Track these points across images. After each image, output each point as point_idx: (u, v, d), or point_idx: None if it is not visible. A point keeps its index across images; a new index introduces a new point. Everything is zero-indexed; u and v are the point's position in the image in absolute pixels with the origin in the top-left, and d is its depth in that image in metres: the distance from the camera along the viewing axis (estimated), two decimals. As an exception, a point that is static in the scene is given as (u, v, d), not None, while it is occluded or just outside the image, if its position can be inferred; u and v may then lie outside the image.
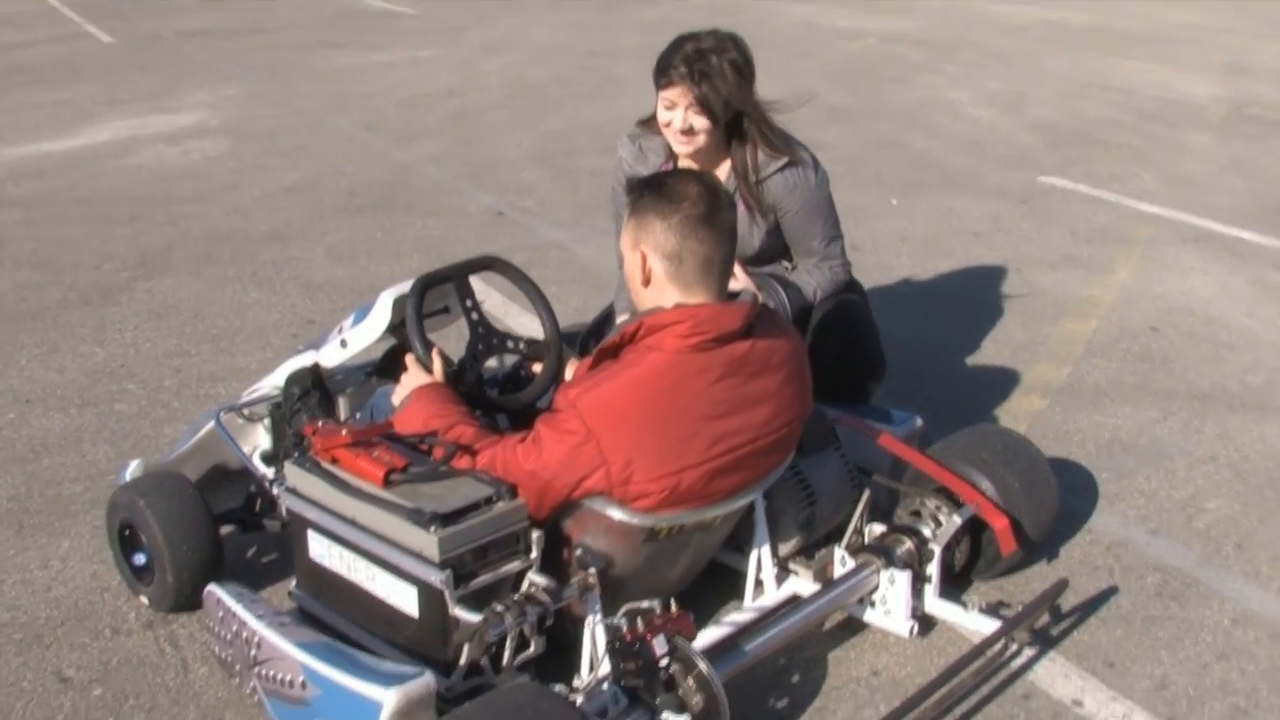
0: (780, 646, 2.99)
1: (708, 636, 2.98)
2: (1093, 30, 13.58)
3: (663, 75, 3.52)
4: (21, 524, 3.92)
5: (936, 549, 3.18)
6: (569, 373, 3.39)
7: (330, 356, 3.63)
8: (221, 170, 8.15)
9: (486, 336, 3.37)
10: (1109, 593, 3.46)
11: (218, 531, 3.40)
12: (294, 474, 2.93)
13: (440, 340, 3.29)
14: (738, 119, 3.62)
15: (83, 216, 7.18)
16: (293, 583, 3.13)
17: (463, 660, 2.68)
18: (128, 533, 3.41)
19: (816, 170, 3.74)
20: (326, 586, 2.93)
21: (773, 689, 3.04)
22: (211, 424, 3.73)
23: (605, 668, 2.73)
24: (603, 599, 2.78)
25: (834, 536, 3.36)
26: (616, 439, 2.64)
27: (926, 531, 3.24)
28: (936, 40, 12.93)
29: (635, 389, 2.66)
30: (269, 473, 3.60)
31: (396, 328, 3.50)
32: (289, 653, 2.70)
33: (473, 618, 2.60)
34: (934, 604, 3.23)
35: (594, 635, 2.78)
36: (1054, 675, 3.11)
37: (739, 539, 3.24)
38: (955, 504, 3.29)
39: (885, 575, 3.15)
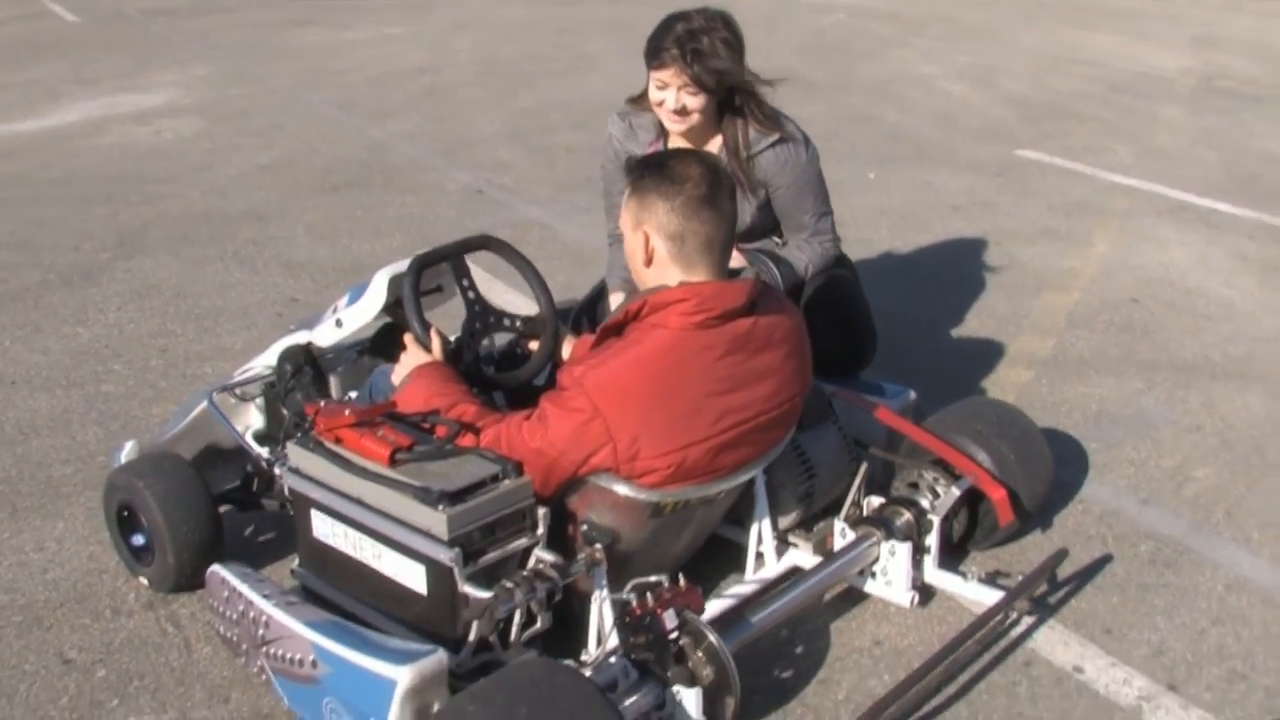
0: (785, 618, 3.02)
1: (712, 609, 3.00)
2: (1062, 4, 13.63)
3: (655, 56, 3.52)
4: (14, 506, 3.91)
5: (935, 520, 3.22)
6: (566, 350, 3.41)
7: (325, 336, 3.61)
8: (195, 150, 8.09)
9: (483, 315, 3.37)
10: (1103, 561, 3.51)
11: (217, 511, 3.39)
12: (297, 454, 2.93)
13: (432, 319, 3.28)
14: (729, 95, 3.62)
15: (57, 197, 7.12)
16: (294, 561, 3.13)
17: (472, 636, 2.69)
18: (126, 514, 3.40)
19: (807, 146, 3.75)
20: (331, 565, 2.94)
21: (777, 660, 3.07)
22: (204, 404, 3.71)
23: (613, 642, 2.75)
24: (608, 574, 2.80)
25: (832, 509, 3.39)
26: (623, 416, 2.65)
27: (924, 503, 3.28)
28: (905, 14, 12.95)
29: (641, 366, 2.67)
30: (264, 452, 3.59)
31: (391, 307, 3.49)
32: (298, 631, 2.71)
33: (482, 594, 2.61)
34: (933, 574, 3.27)
35: (601, 610, 2.79)
36: (1053, 643, 3.16)
37: (738, 512, 3.27)
38: (952, 476, 3.32)
39: (886, 547, 3.18)
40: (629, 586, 2.70)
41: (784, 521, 3.32)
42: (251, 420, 3.78)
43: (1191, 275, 5.69)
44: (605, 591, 2.78)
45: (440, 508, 2.60)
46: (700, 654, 2.65)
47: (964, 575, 3.28)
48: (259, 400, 3.77)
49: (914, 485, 3.34)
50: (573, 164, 7.54)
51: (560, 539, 2.82)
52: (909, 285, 5.52)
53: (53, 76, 10.61)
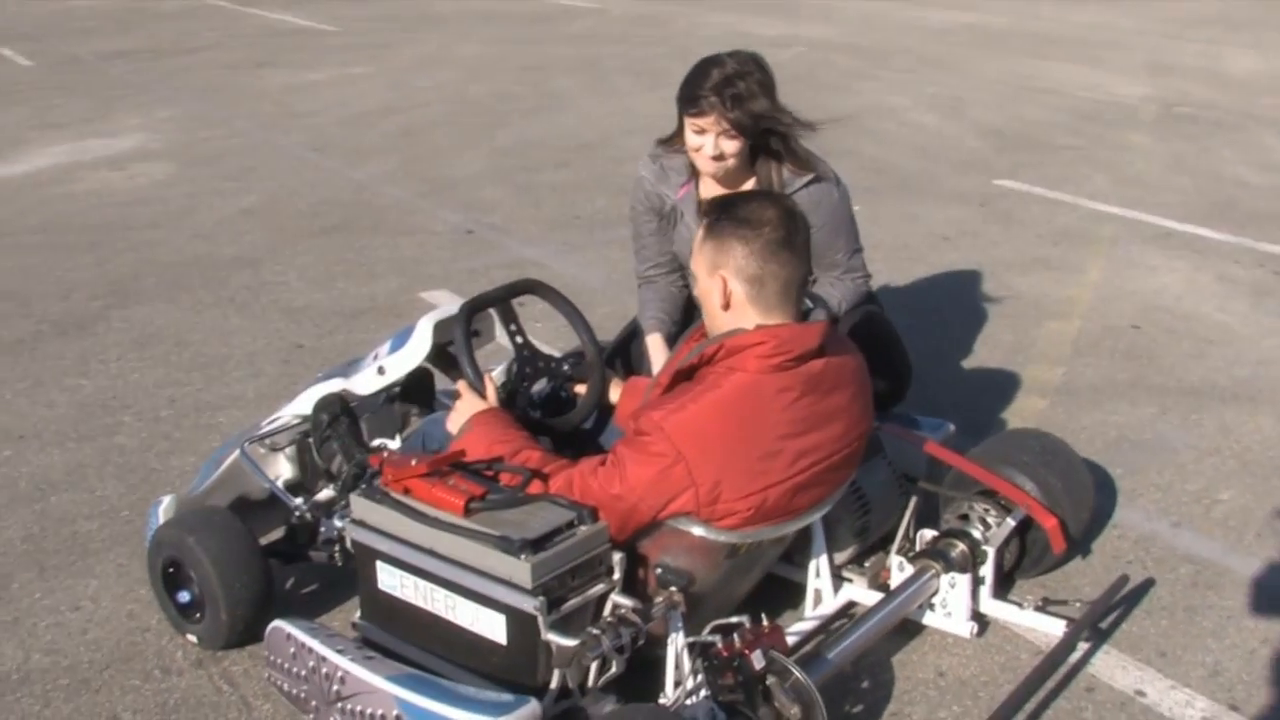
0: (859, 652, 3.04)
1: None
2: (1013, 33, 13.87)
3: (693, 104, 3.53)
4: (42, 565, 3.85)
5: (990, 550, 3.25)
6: (613, 393, 3.41)
7: (366, 384, 3.59)
8: (174, 195, 8.04)
9: (532, 359, 3.37)
10: (1147, 585, 3.55)
11: (269, 565, 3.36)
12: (362, 506, 2.91)
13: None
14: (764, 136, 3.65)
15: (39, 245, 7.05)
16: (342, 614, 3.11)
17: (554, 684, 2.68)
18: (172, 570, 3.36)
19: (838, 186, 3.79)
20: (397, 617, 2.91)
21: (845, 696, 3.07)
22: (236, 455, 3.67)
23: (691, 683, 2.75)
24: (683, 616, 2.80)
25: (883, 543, 3.42)
26: (705, 460, 2.66)
27: (977, 534, 3.31)
28: (865, 46, 13.12)
29: (721, 410, 2.68)
30: (299, 502, 3.56)
31: (435, 354, 3.48)
32: (380, 686, 2.68)
33: (565, 642, 2.60)
34: (989, 604, 3.30)
35: (679, 652, 2.79)
36: (1112, 667, 3.19)
37: (791, 549, 3.28)
38: (1002, 506, 3.36)
39: (946, 579, 3.21)
40: (709, 628, 2.71)
41: (840, 557, 3.34)
42: (282, 470, 3.75)
43: (1186, 300, 5.79)
44: (682, 634, 2.78)
45: (523, 556, 2.59)
46: (785, 693, 2.66)
47: (1019, 604, 3.32)
48: (289, 450, 3.74)
49: (965, 517, 3.37)
50: (559, 203, 7.55)
51: (632, 582, 2.81)
52: (913, 318, 5.56)
53: (15, 122, 10.51)
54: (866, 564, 3.39)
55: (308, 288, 6.18)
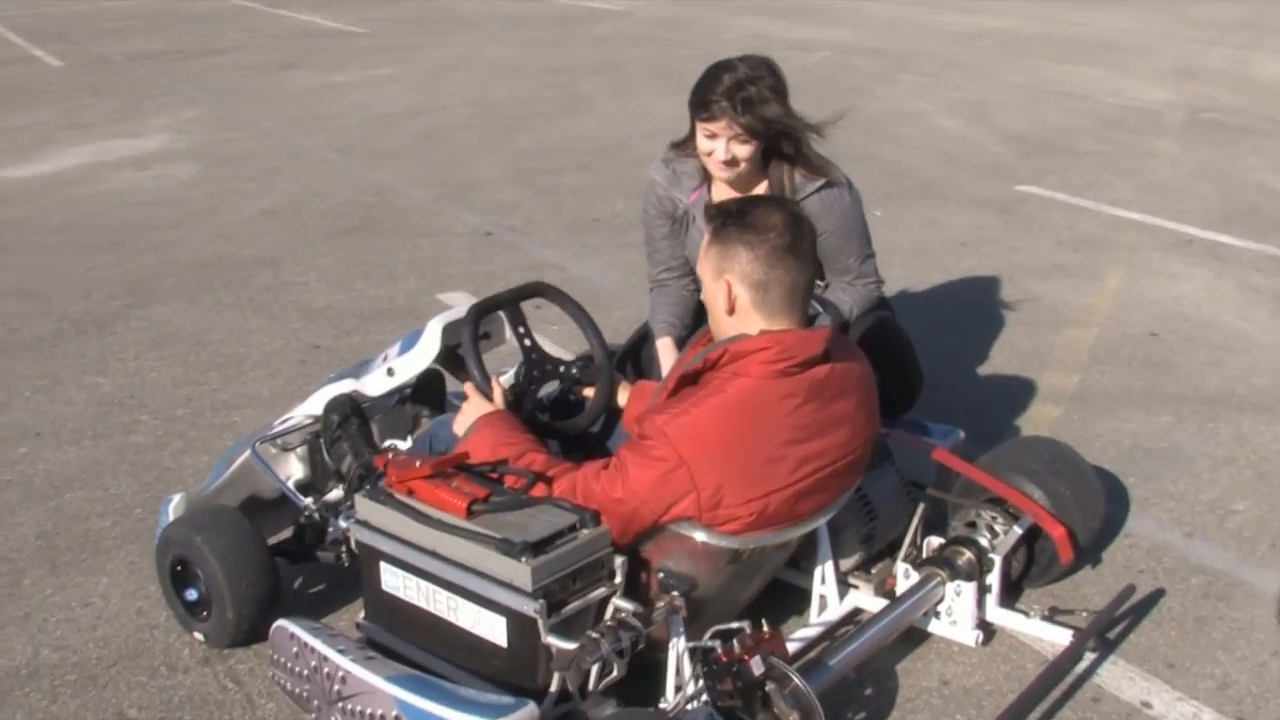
0: (862, 660, 3.02)
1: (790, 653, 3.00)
2: (1040, 38, 13.81)
3: (704, 109, 3.53)
4: (54, 562, 3.87)
5: (997, 559, 3.23)
6: (621, 397, 3.41)
7: (375, 385, 3.61)
8: (196, 195, 8.09)
9: (540, 362, 3.37)
10: (1157, 595, 3.53)
11: (276, 564, 3.37)
12: (366, 506, 2.92)
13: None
14: (776, 140, 3.64)
15: (61, 244, 7.10)
16: (348, 614, 3.11)
17: (554, 687, 2.69)
18: (180, 569, 3.38)
19: (851, 190, 3.78)
20: (400, 618, 2.92)
21: (849, 703, 3.06)
22: (247, 454, 3.69)
23: (692, 688, 2.74)
24: (685, 620, 2.80)
25: (889, 550, 3.41)
26: (707, 465, 2.66)
27: (984, 542, 3.29)
28: (890, 51, 13.08)
29: (724, 415, 2.68)
30: (309, 502, 3.58)
31: (443, 355, 3.49)
32: (380, 687, 2.69)
33: (565, 645, 2.60)
34: (995, 613, 3.28)
35: (680, 657, 2.79)
36: (1118, 678, 3.17)
37: (797, 555, 3.27)
38: (1010, 514, 3.34)
39: (951, 587, 3.19)
40: (710, 633, 2.70)
41: (845, 563, 3.33)
42: (293, 470, 3.76)
43: (1205, 308, 5.75)
44: (683, 639, 2.78)
45: (523, 559, 2.59)
46: (785, 699, 2.65)
47: (1025, 613, 3.30)
48: (300, 450, 3.76)
49: (972, 525, 3.36)
50: (579, 205, 7.56)
51: (635, 586, 2.81)
52: (930, 324, 5.54)
53: (43, 122, 10.60)
54: (873, 571, 3.38)
55: (327, 289, 6.21)
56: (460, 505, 2.73)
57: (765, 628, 2.71)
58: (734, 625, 2.70)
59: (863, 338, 3.77)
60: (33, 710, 3.18)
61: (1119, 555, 3.74)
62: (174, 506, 3.63)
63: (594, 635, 2.61)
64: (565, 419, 3.41)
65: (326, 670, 2.82)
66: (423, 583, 2.83)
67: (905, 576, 3.27)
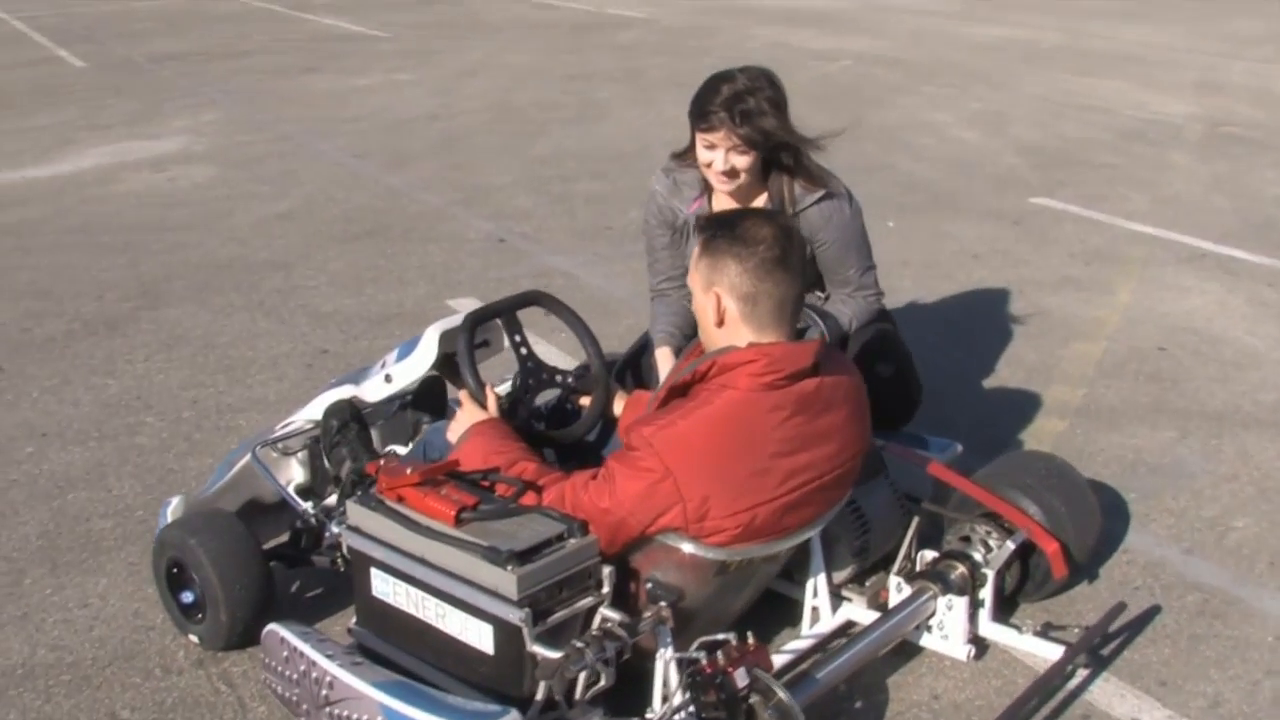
0: (849, 674, 3.02)
1: (776, 665, 3.00)
2: (1063, 50, 13.75)
3: (703, 119, 3.54)
4: (54, 562, 3.90)
5: (990, 574, 3.22)
6: (617, 407, 3.42)
7: (373, 391, 3.63)
8: (212, 197, 8.13)
9: (536, 371, 3.38)
10: (1152, 612, 3.51)
11: (269, 568, 3.39)
12: (357, 512, 2.93)
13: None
14: (775, 152, 3.65)
15: (76, 245, 7.15)
16: (344, 619, 3.13)
17: (539, 695, 2.69)
18: (175, 571, 3.40)
19: (851, 202, 3.78)
20: (390, 624, 2.93)
21: (837, 716, 3.06)
22: (247, 458, 3.71)
23: (678, 699, 2.74)
24: (672, 631, 2.80)
25: (884, 563, 3.40)
26: (693, 476, 2.66)
27: (978, 556, 3.28)
28: (912, 61, 13.06)
29: (711, 427, 2.69)
30: (308, 506, 3.60)
31: (441, 362, 3.50)
32: (365, 692, 2.70)
33: (550, 654, 2.61)
34: (988, 628, 3.28)
35: (667, 668, 2.79)
36: (1110, 695, 3.15)
37: (790, 567, 3.27)
38: (1005, 529, 3.33)
39: (943, 601, 3.19)
40: (696, 644, 2.70)
41: (838, 576, 3.32)
42: (294, 474, 3.78)
43: (1215, 323, 5.72)
44: (670, 649, 2.78)
45: (509, 567, 2.60)
46: (770, 712, 2.65)
47: (1018, 628, 3.30)
48: (301, 455, 3.78)
49: (966, 539, 3.35)
50: (593, 213, 7.58)
51: (623, 596, 2.82)
52: (937, 335, 5.54)
53: (64, 123, 10.67)
54: (867, 584, 3.38)
55: (337, 293, 6.23)
56: (449, 513, 2.74)
57: (750, 640, 2.71)
58: (720, 637, 2.70)
59: (862, 350, 3.77)
60: (26, 710, 3.20)
61: (1116, 571, 3.72)
62: (172, 509, 3.65)
63: (578, 644, 2.61)
64: (562, 428, 3.42)
65: (315, 675, 2.84)
66: (412, 589, 2.84)
67: (898, 590, 3.27)
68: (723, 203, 3.75)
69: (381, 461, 3.07)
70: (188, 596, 3.39)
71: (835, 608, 3.31)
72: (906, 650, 3.29)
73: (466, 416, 3.16)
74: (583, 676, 2.67)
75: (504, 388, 3.44)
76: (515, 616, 2.60)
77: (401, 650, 2.93)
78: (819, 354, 2.78)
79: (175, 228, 7.43)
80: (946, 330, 5.65)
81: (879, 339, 3.81)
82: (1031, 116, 10.27)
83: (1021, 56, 13.33)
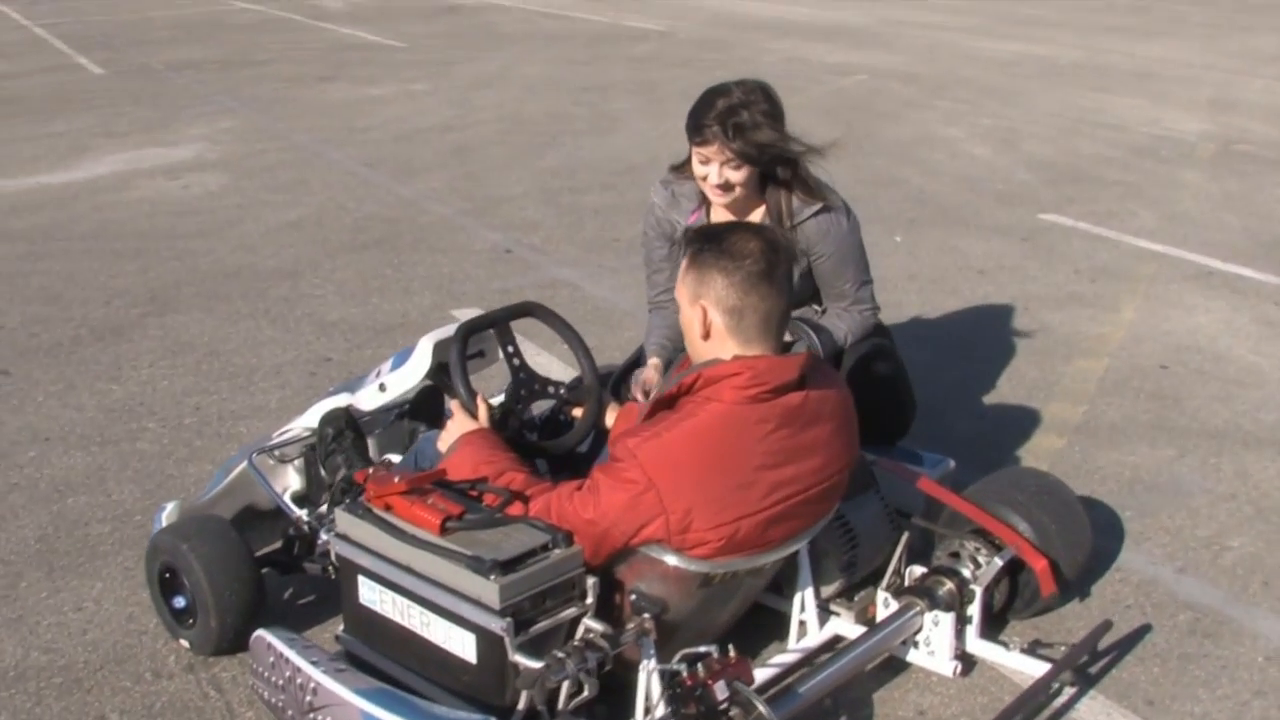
0: (832, 688, 3.02)
1: (759, 679, 2.99)
2: (1080, 66, 13.72)
3: (697, 133, 3.56)
4: (51, 565, 3.93)
5: (978, 590, 3.22)
6: (610, 418, 3.43)
7: (368, 400, 3.65)
8: (224, 205, 8.17)
9: (528, 382, 3.40)
10: (1143, 631, 3.50)
11: (260, 575, 3.41)
12: (345, 520, 2.95)
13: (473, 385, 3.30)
14: (772, 165, 3.66)
15: (87, 251, 7.20)
16: (336, 626, 3.14)
17: (521, 705, 2.70)
18: (168, 576, 3.42)
19: (848, 216, 3.79)
20: (377, 632, 2.95)
21: (822, 731, 3.07)
22: (244, 465, 3.74)
23: (660, 711, 2.75)
24: (655, 643, 2.80)
25: (873, 578, 3.40)
26: (676, 488, 2.67)
27: (966, 573, 3.28)
28: (926, 76, 13.05)
29: (695, 439, 2.70)
30: (303, 514, 3.62)
31: (434, 372, 3.52)
32: (347, 699, 2.72)
33: (532, 664, 2.62)
34: (975, 644, 3.27)
35: (649, 679, 2.79)
36: (1096, 713, 3.15)
37: (779, 581, 3.28)
38: (994, 545, 3.33)
39: (929, 617, 3.19)
40: (678, 656, 2.71)
41: (826, 590, 3.32)
42: (290, 482, 3.80)
43: (1220, 341, 5.70)
44: (653, 661, 2.78)
45: (492, 577, 2.61)
46: (749, 726, 2.65)
47: (1005, 645, 3.29)
48: (297, 462, 3.80)
49: (955, 555, 3.35)
50: (601, 225, 7.60)
51: (608, 608, 2.83)
52: (939, 351, 5.54)
53: (80, 129, 10.74)
54: (855, 598, 3.38)
55: (343, 302, 6.26)
56: (434, 521, 2.76)
57: (732, 653, 2.71)
58: (702, 649, 2.71)
59: (857, 364, 3.78)
60: (16, 712, 3.22)
61: (1108, 589, 3.72)
62: (167, 514, 3.68)
63: (559, 655, 2.62)
64: (554, 439, 3.43)
65: (299, 681, 2.86)
66: (398, 597, 2.86)
67: (885, 605, 3.27)
68: (721, 215, 3.77)
69: (370, 470, 3.09)
70: (179, 601, 3.42)
71: (823, 622, 3.31)
72: (893, 666, 3.30)
73: (457, 426, 3.17)
74: (565, 686, 2.68)
75: (498, 399, 3.46)
76: (497, 626, 2.62)
77: (387, 658, 2.95)
78: (805, 367, 2.79)
79: (186, 235, 7.47)
80: (948, 345, 5.64)
81: (874, 354, 3.82)
82: (1044, 133, 10.25)
83: (1038, 72, 13.31)
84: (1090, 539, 3.55)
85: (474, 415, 3.19)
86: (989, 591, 3.28)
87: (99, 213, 8.04)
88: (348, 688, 2.74)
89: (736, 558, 2.79)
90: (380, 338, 5.73)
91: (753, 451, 2.72)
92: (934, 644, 3.20)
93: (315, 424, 3.72)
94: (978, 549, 3.32)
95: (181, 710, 3.22)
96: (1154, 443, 4.69)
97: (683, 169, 3.83)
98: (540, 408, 3.55)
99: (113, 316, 6.10)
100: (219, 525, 3.44)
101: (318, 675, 2.80)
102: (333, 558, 3.10)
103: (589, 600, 2.75)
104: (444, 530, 2.75)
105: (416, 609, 2.81)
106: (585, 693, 2.71)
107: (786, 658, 3.20)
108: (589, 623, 2.75)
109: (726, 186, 3.58)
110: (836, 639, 3.31)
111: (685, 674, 2.67)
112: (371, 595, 2.93)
